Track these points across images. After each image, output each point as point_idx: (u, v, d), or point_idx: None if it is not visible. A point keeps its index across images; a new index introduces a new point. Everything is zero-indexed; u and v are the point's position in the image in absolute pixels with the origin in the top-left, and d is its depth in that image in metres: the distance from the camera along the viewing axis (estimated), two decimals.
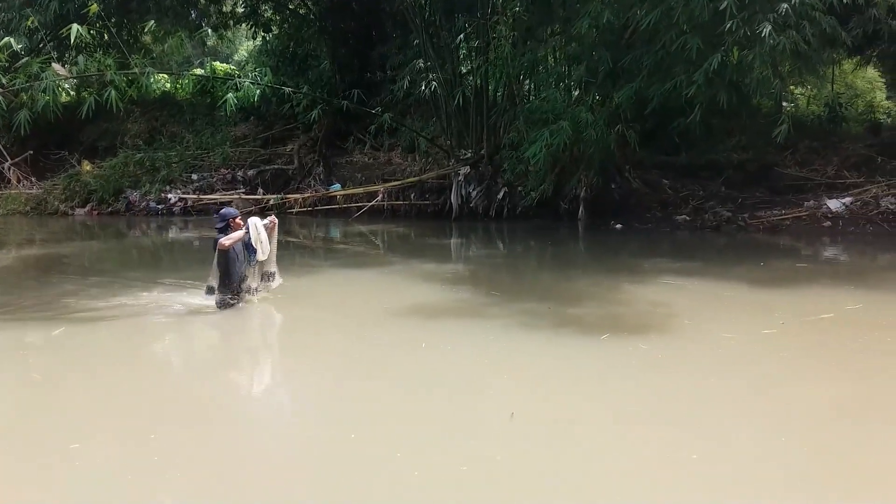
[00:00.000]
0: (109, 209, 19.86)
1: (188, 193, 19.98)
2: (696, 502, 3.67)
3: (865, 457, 4.14)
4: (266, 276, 7.95)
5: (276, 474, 3.95)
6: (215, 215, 7.89)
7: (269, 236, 7.86)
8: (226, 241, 7.40)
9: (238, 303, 7.76)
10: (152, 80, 16.07)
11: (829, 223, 14.89)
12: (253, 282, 7.87)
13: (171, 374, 6.08)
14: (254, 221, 7.66)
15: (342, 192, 18.93)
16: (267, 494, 3.75)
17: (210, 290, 7.66)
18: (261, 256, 7.68)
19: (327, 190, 19.29)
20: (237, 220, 7.64)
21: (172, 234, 17.04)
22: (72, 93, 22.93)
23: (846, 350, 6.32)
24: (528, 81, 17.33)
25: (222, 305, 7.63)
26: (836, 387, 5.34)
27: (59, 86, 15.86)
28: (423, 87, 17.30)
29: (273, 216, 8.05)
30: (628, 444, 4.33)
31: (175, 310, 7.93)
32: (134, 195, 20.06)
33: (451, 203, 17.53)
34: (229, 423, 4.76)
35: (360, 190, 18.91)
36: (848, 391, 5.24)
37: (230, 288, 7.66)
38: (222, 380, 5.92)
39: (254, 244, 7.62)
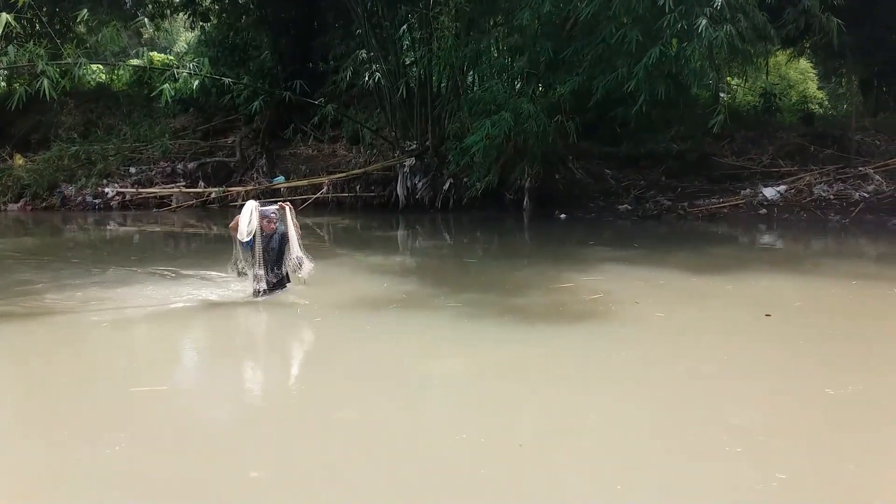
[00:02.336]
0: (44, 204, 19.27)
1: (126, 187, 19.50)
2: (635, 487, 3.75)
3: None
4: (294, 264, 7.75)
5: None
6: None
7: (283, 222, 7.74)
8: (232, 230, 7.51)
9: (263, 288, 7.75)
10: (86, 70, 15.61)
11: (764, 211, 15.33)
12: (271, 273, 7.77)
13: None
14: (249, 204, 7.59)
15: (286, 185, 18.71)
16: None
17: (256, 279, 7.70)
18: (241, 237, 7.48)
19: (270, 182, 19.03)
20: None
21: (111, 227, 16.61)
22: (2, 84, 22.15)
23: (793, 337, 6.52)
24: (471, 72, 17.37)
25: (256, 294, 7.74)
26: (770, 378, 5.51)
27: None
28: (367, 78, 17.21)
29: (285, 202, 7.91)
30: (577, 431, 4.39)
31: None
32: (69, 189, 19.49)
33: (397, 195, 17.49)
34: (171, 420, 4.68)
35: (305, 182, 18.72)
36: (772, 379, 5.41)
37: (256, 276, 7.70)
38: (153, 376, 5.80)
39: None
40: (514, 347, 6.13)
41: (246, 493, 3.66)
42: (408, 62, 18.30)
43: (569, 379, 5.36)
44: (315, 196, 18.01)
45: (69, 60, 13.96)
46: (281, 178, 19.09)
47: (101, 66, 22.10)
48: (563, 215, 15.75)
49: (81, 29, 20.85)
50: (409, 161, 17.30)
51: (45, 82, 12.50)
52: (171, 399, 5.07)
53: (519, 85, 15.87)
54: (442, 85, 17.56)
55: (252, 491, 3.69)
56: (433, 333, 6.67)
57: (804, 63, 23.97)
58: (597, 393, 5.06)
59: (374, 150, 19.33)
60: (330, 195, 18.16)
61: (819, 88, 25.42)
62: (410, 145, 17.53)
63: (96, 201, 19.13)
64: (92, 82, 23.45)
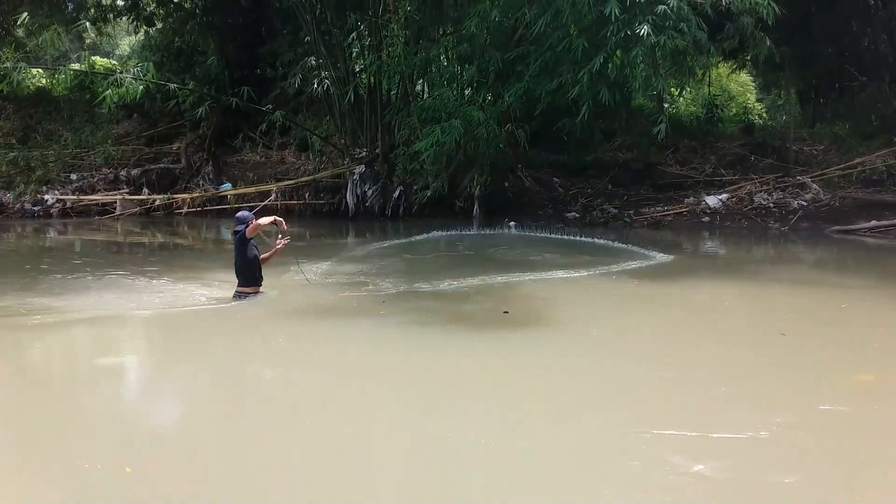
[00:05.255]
0: None
1: (67, 194, 19.00)
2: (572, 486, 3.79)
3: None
4: None
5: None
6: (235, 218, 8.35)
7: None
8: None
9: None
10: (25, 75, 15.24)
11: (707, 218, 15.69)
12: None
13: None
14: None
15: (233, 192, 18.47)
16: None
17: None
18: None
19: (217, 189, 18.76)
20: (253, 222, 8.05)
21: (50, 236, 16.15)
22: None
23: (727, 335, 6.68)
24: (421, 80, 17.41)
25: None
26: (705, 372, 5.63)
27: None
28: (316, 85, 17.11)
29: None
30: (521, 436, 4.42)
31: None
32: (7, 196, 18.91)
33: (346, 202, 17.42)
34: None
35: (252, 189, 18.51)
36: (705, 377, 5.54)
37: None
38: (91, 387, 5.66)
39: None
40: (460, 356, 6.15)
41: None
42: (357, 69, 18.25)
43: (514, 392, 5.39)
44: (263, 203, 17.76)
45: (7, 64, 13.62)
46: (228, 186, 18.83)
47: (41, 71, 21.55)
48: (512, 223, 15.86)
49: (21, 32, 20.35)
50: (359, 168, 17.25)
51: None
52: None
53: (469, 93, 15.98)
54: (392, 93, 17.56)
55: None
56: (382, 342, 6.64)
57: (744, 77, 24.71)
58: (537, 402, 5.11)
59: (324, 158, 19.21)
60: (278, 203, 17.97)
61: (758, 100, 26.20)
62: (360, 153, 17.47)
63: (36, 209, 18.59)
64: (31, 86, 22.82)
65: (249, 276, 7.99)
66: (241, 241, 7.94)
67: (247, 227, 7.98)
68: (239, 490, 3.73)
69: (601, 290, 8.87)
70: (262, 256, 7.99)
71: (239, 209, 17.60)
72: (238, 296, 7.95)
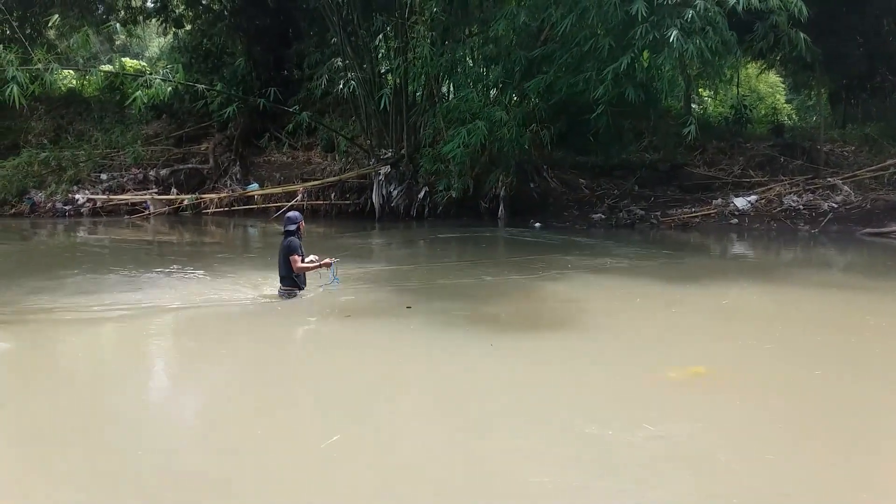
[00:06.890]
0: (13, 210, 18.97)
1: (97, 194, 19.27)
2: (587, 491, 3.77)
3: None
4: None
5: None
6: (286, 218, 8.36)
7: None
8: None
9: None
10: (56, 76, 15.47)
11: (735, 220, 15.52)
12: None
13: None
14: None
15: (260, 192, 18.62)
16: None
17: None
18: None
19: (244, 190, 18.93)
20: (302, 223, 8.27)
21: (81, 234, 16.38)
22: None
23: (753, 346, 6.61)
24: (447, 81, 17.42)
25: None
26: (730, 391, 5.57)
27: None
28: (342, 86, 17.18)
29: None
30: (546, 440, 4.40)
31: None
32: (39, 196, 19.23)
33: (372, 203, 17.47)
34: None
35: (279, 189, 18.64)
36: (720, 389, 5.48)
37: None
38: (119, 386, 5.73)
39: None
40: (484, 358, 6.14)
41: None
42: (383, 71, 18.31)
43: (537, 397, 5.37)
44: (289, 204, 17.90)
45: (39, 66, 13.81)
46: (255, 186, 18.99)
47: (72, 72, 21.86)
48: (537, 224, 15.83)
49: (52, 34, 20.66)
50: (385, 169, 17.29)
51: (15, 90, 12.36)
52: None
53: (494, 94, 15.96)
54: (417, 94, 17.58)
55: None
56: (406, 343, 6.65)
57: (773, 77, 24.42)
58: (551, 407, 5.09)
59: (350, 158, 19.30)
60: (305, 203, 18.08)
61: (788, 101, 25.87)
62: (385, 153, 17.51)
63: (66, 208, 18.89)
64: (63, 88, 23.17)
65: (293, 282, 8.07)
66: (289, 250, 7.95)
67: (298, 228, 8.10)
68: (261, 488, 3.75)
69: (624, 291, 8.81)
70: (301, 265, 7.99)
71: (266, 209, 18.01)
72: (283, 293, 8.04)
